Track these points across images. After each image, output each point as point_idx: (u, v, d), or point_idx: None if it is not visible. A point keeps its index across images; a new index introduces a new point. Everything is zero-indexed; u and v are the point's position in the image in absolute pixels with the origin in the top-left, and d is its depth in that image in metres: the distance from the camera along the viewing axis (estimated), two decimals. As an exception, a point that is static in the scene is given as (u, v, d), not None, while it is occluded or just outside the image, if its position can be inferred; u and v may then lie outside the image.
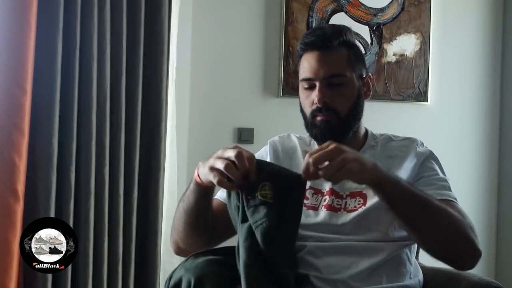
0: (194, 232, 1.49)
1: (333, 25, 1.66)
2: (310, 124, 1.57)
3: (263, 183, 1.30)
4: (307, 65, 1.56)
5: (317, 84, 1.53)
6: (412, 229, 1.42)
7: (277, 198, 1.29)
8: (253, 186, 1.30)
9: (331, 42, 1.54)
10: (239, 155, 1.29)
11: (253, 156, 1.33)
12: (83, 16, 2.46)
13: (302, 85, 1.58)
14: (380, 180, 1.34)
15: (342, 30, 1.57)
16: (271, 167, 1.37)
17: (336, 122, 1.54)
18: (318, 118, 1.55)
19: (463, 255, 1.41)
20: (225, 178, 1.30)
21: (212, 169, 1.32)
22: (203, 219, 1.48)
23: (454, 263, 1.44)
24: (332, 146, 1.30)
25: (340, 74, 1.54)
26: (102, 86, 2.50)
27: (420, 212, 1.37)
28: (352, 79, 1.56)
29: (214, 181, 1.32)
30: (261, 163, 1.35)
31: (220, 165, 1.30)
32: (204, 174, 1.37)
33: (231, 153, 1.30)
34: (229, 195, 1.36)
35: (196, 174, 1.43)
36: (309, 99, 1.56)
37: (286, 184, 1.31)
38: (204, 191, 1.43)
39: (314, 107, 1.54)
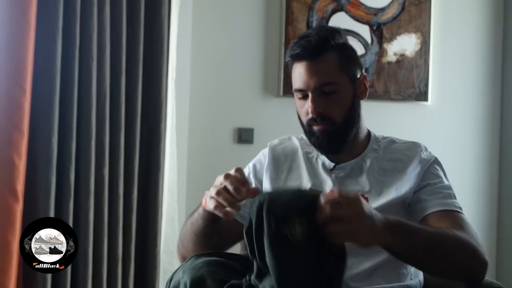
0: (203, 250, 1.49)
1: (320, 30, 1.57)
2: (308, 133, 1.56)
3: (291, 217, 1.11)
4: (297, 76, 1.53)
5: (310, 94, 1.50)
6: (426, 270, 1.41)
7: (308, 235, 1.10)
8: (279, 220, 1.12)
9: (318, 51, 1.49)
10: (231, 179, 1.29)
11: (244, 179, 1.31)
12: (83, 16, 2.46)
13: (296, 95, 1.55)
14: (388, 244, 1.27)
15: (328, 36, 1.52)
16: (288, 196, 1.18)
17: (333, 130, 1.51)
18: (315, 128, 1.53)
19: (475, 273, 1.39)
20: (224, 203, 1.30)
21: (211, 197, 1.33)
22: (213, 241, 1.48)
23: (464, 281, 1.42)
24: (355, 210, 1.17)
25: (331, 82, 1.50)
26: (102, 86, 2.50)
27: (430, 253, 1.33)
28: (344, 84, 1.52)
29: (212, 208, 1.31)
30: (278, 194, 1.19)
31: (213, 192, 1.31)
32: (207, 203, 1.37)
33: (221, 179, 1.32)
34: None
35: (204, 201, 1.43)
36: (304, 108, 1.53)
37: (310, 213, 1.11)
38: (212, 217, 1.43)
39: (309, 116, 1.52)
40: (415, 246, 1.30)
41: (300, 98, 1.54)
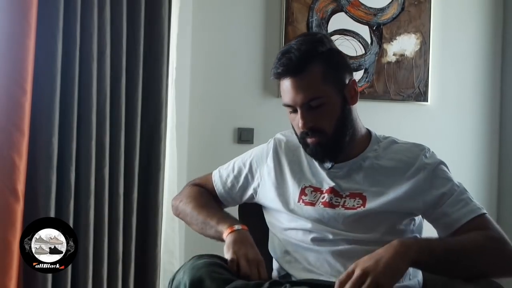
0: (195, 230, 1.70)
1: (301, 43, 1.53)
2: (302, 144, 1.59)
3: None
4: (284, 92, 1.54)
5: (298, 110, 1.52)
6: (457, 277, 1.43)
7: None
8: None
9: (300, 67, 1.49)
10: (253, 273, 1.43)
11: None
12: (83, 16, 2.46)
13: (287, 109, 1.57)
14: (416, 261, 1.34)
15: (310, 49, 1.51)
16: None
17: (325, 141, 1.53)
18: (308, 140, 1.55)
19: (506, 272, 1.42)
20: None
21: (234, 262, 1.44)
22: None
23: (497, 277, 1.44)
24: (357, 272, 1.30)
25: (317, 96, 1.50)
26: (102, 86, 2.50)
27: (458, 262, 1.38)
28: (331, 95, 1.52)
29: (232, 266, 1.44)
30: None
31: (243, 266, 1.43)
32: (225, 251, 1.48)
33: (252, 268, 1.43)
34: None
35: (227, 232, 1.52)
36: (295, 121, 1.55)
37: None
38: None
39: (301, 130, 1.54)
40: (438, 256, 1.36)
41: (290, 112, 1.56)
